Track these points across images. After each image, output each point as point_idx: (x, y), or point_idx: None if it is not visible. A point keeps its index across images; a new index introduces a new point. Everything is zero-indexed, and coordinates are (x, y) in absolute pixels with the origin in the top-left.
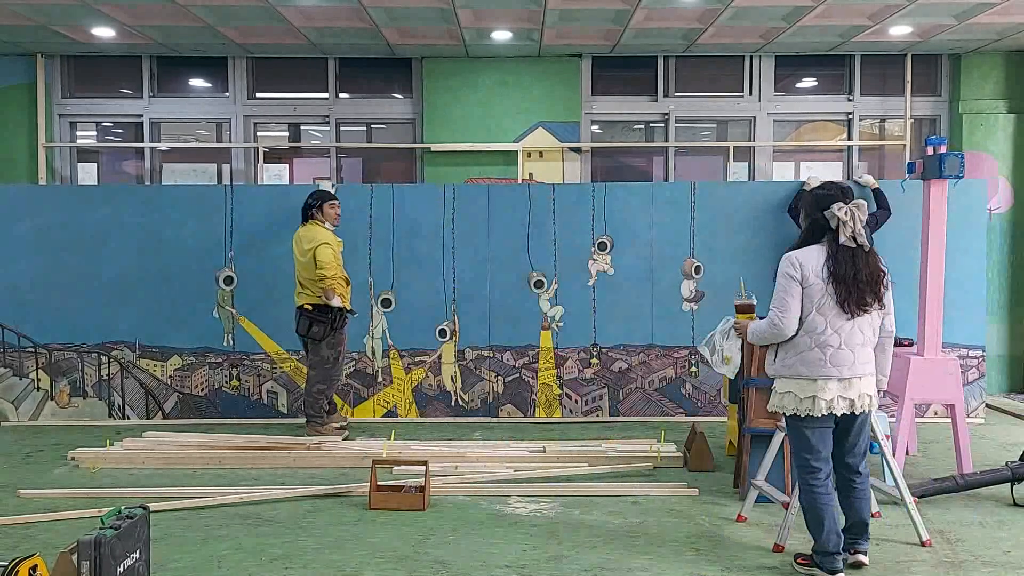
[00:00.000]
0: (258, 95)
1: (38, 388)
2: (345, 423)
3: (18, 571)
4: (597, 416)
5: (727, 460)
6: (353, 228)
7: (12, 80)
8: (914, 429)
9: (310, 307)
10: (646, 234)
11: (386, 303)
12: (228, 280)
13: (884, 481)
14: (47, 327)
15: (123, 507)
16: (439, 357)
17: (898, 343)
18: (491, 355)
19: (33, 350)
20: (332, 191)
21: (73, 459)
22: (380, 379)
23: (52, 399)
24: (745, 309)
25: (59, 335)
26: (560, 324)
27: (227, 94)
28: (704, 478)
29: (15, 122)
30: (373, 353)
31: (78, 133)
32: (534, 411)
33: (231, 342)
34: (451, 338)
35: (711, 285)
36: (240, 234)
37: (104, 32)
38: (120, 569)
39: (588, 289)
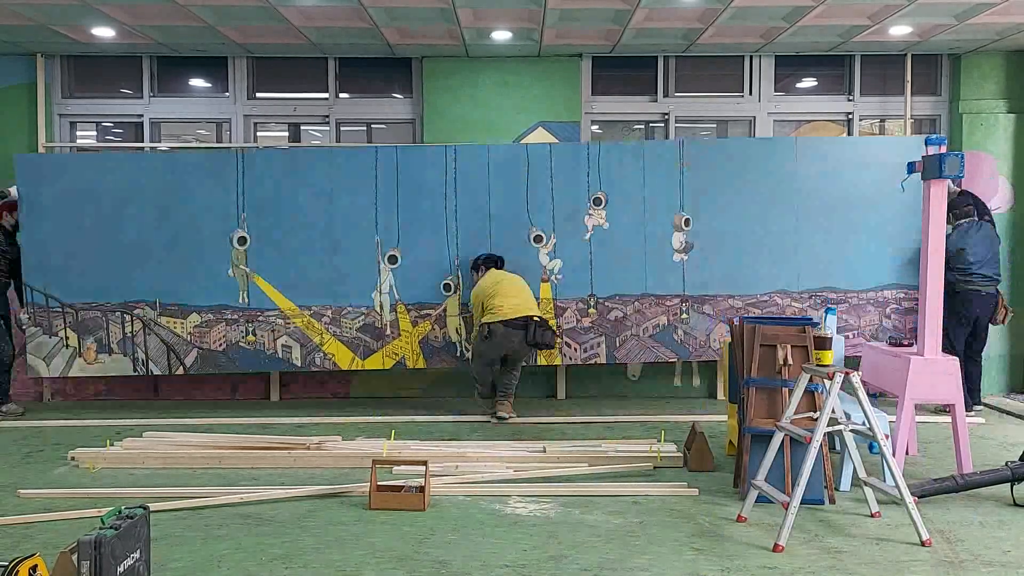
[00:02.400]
0: (258, 95)
1: (67, 345)
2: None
3: (18, 571)
4: (596, 362)
5: (727, 460)
6: (359, 190)
7: (12, 80)
8: (914, 429)
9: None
10: (638, 190)
11: (392, 260)
12: (241, 240)
13: (884, 481)
14: (73, 288)
15: (123, 507)
16: (444, 310)
17: (898, 343)
18: None
19: (61, 310)
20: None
21: (73, 459)
22: (388, 332)
23: (80, 356)
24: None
25: (84, 295)
26: (559, 276)
27: (227, 94)
28: (704, 478)
29: (15, 122)
30: (381, 307)
31: (78, 133)
32: (536, 358)
33: (246, 299)
34: (455, 292)
35: (700, 237)
36: (251, 197)
37: (104, 32)
38: (120, 569)
39: (585, 243)
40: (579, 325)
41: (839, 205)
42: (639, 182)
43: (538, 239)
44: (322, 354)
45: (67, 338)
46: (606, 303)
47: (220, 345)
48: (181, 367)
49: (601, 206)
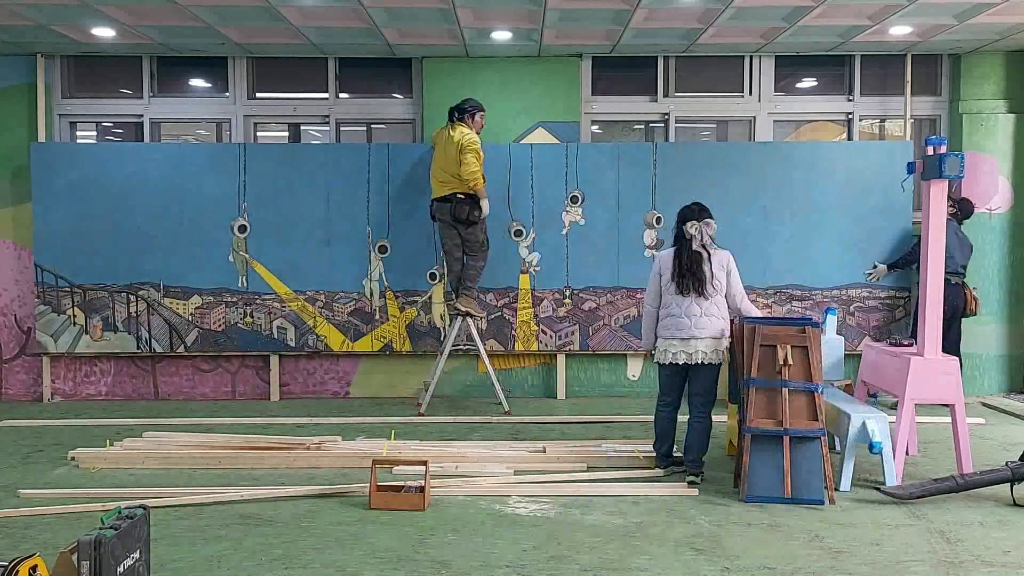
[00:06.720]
0: (258, 95)
1: (74, 323)
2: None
3: (18, 571)
4: (569, 350)
5: (727, 460)
6: (353, 184)
7: (12, 80)
8: (914, 429)
9: (462, 195)
10: (613, 189)
11: (382, 249)
12: (242, 228)
13: (884, 481)
14: (82, 269)
15: (123, 507)
16: (430, 297)
17: (898, 343)
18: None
19: (69, 289)
20: None
21: (73, 459)
22: (377, 317)
23: (87, 333)
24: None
25: (92, 276)
26: (537, 268)
27: (227, 94)
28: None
29: (15, 122)
30: (371, 293)
31: (78, 133)
32: (514, 345)
33: (245, 283)
34: (440, 280)
35: (670, 234)
36: (252, 187)
37: (104, 32)
38: (120, 569)
39: (562, 238)
40: (555, 314)
41: (804, 206)
42: (614, 182)
43: (518, 233)
44: (315, 336)
45: (74, 316)
46: (581, 294)
47: (219, 326)
48: (183, 346)
49: (578, 204)
